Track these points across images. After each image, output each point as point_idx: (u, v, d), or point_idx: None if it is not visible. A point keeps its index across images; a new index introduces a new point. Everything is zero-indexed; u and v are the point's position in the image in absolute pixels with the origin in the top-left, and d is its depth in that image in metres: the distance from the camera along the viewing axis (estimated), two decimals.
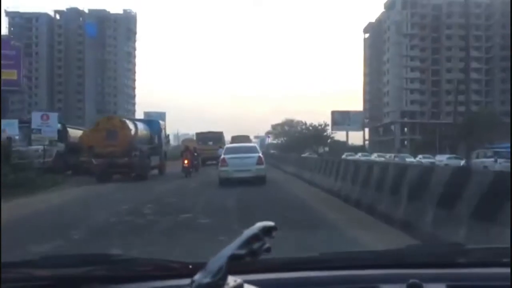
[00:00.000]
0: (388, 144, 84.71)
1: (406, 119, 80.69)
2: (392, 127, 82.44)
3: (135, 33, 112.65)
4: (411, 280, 1.08)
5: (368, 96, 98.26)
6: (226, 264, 0.71)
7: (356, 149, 76.08)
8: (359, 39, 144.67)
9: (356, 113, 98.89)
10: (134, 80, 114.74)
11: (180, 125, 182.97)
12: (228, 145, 19.28)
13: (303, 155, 41.56)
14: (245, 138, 40.92)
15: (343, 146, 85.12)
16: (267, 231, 0.75)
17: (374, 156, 47.22)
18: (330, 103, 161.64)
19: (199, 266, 0.81)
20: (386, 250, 1.40)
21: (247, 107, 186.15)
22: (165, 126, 25.68)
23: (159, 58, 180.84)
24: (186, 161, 19.94)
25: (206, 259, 0.81)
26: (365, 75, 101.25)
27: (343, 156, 44.43)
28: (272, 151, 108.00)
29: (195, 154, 22.87)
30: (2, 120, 20.47)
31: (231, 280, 0.73)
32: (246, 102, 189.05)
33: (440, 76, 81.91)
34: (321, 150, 73.31)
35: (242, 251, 0.72)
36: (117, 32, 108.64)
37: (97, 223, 7.59)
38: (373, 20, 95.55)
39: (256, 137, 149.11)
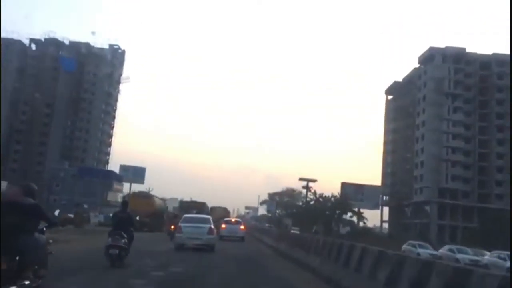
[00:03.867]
0: (418, 228, 66.15)
1: (447, 200, 62.67)
2: (427, 208, 64.25)
3: (120, 73, 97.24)
4: None
5: (391, 168, 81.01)
6: None
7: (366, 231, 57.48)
8: (377, 101, 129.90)
9: (372, 188, 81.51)
10: (111, 126, 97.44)
11: (163, 188, 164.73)
12: (185, 215, 20.28)
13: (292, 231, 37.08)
14: (223, 210, 43.95)
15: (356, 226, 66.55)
16: None
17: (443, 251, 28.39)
18: (335, 177, 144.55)
19: None
20: None
21: (237, 177, 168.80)
22: None
23: (148, 107, 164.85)
24: (172, 226, 22.89)
25: None
26: (385, 143, 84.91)
27: (406, 247, 26.09)
28: (267, 225, 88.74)
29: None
30: None
31: None
32: (237, 170, 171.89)
33: (490, 148, 65.32)
34: (342, 230, 54.59)
35: None
36: (98, 69, 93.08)
37: None
38: (399, 79, 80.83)
39: (247, 207, 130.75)
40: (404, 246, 26.54)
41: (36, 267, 5.84)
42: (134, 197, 34.89)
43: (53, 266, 6.57)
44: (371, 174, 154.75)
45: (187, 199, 78.37)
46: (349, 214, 60.56)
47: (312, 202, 69.13)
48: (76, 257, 11.86)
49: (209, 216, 20.76)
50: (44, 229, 6.23)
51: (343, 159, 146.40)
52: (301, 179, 78.29)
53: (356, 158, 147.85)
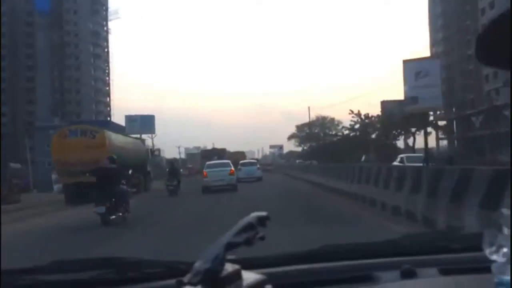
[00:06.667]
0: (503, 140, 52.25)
1: None
2: (506, 112, 49.83)
3: (105, 6, 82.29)
4: (404, 266, 1.13)
5: (445, 72, 66.05)
6: (223, 251, 0.74)
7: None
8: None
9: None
10: (106, 72, 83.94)
11: (183, 139, 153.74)
12: (208, 162, 23.66)
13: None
14: (240, 154, 49.36)
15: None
16: (261, 220, 0.78)
17: None
18: (370, 104, 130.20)
19: None
20: (382, 241, 1.43)
21: (258, 117, 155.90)
22: None
23: (149, 45, 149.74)
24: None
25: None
26: (432, 45, 69.73)
27: None
28: (298, 161, 75.95)
29: None
30: None
31: (229, 266, 0.76)
32: (256, 111, 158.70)
33: None
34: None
35: (238, 239, 0.75)
36: (77, 5, 78.32)
37: None
38: None
39: (272, 146, 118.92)
40: None
41: (124, 205, 10.63)
42: (59, 139, 18.72)
43: None
44: None
45: (209, 147, 68.84)
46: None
47: (356, 126, 55.63)
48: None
49: (228, 161, 23.47)
50: (124, 182, 11.13)
51: (376, 81, 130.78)
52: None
53: (393, 78, 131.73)
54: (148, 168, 22.56)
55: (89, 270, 1.15)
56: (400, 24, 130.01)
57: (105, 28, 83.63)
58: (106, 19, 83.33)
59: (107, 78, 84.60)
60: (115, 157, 11.35)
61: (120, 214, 10.33)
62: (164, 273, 1.10)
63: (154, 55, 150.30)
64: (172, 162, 22.85)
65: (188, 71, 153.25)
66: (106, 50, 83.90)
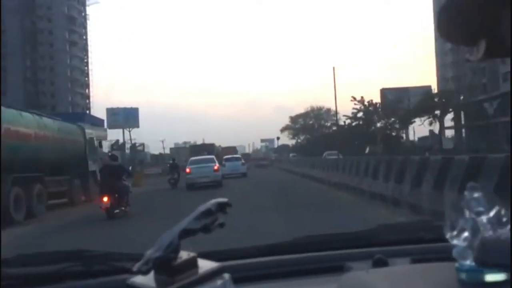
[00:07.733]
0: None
1: None
2: None
3: None
4: (375, 256, 1.13)
5: (452, 56, 61.14)
6: (177, 237, 0.69)
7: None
8: None
9: (420, 89, 62.93)
10: (84, 61, 77.61)
11: (175, 135, 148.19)
12: (191, 158, 23.64)
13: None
14: (233, 149, 46.23)
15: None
16: (220, 207, 0.73)
17: None
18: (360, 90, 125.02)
19: None
20: (354, 232, 1.43)
21: (250, 111, 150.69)
22: None
23: (133, 33, 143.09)
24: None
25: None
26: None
27: None
28: (292, 155, 70.51)
29: None
30: None
31: (185, 254, 0.71)
32: (248, 105, 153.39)
33: None
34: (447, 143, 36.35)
35: (194, 226, 0.71)
36: None
37: None
38: None
39: (263, 140, 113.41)
40: None
41: (125, 200, 11.31)
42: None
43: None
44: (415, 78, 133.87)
45: (199, 142, 66.56)
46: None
47: (360, 114, 50.30)
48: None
49: (212, 156, 23.98)
50: (125, 178, 11.84)
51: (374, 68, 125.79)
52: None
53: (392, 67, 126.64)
54: (91, 167, 15.92)
55: (55, 264, 1.12)
56: (398, 5, 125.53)
57: (82, 14, 77.31)
58: (83, 3, 76.99)
59: (86, 68, 78.32)
60: (117, 155, 12.87)
61: (123, 208, 11.17)
62: (132, 266, 0.96)
63: (140, 45, 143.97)
64: (173, 158, 25.86)
65: (177, 65, 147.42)
66: (84, 37, 77.61)
